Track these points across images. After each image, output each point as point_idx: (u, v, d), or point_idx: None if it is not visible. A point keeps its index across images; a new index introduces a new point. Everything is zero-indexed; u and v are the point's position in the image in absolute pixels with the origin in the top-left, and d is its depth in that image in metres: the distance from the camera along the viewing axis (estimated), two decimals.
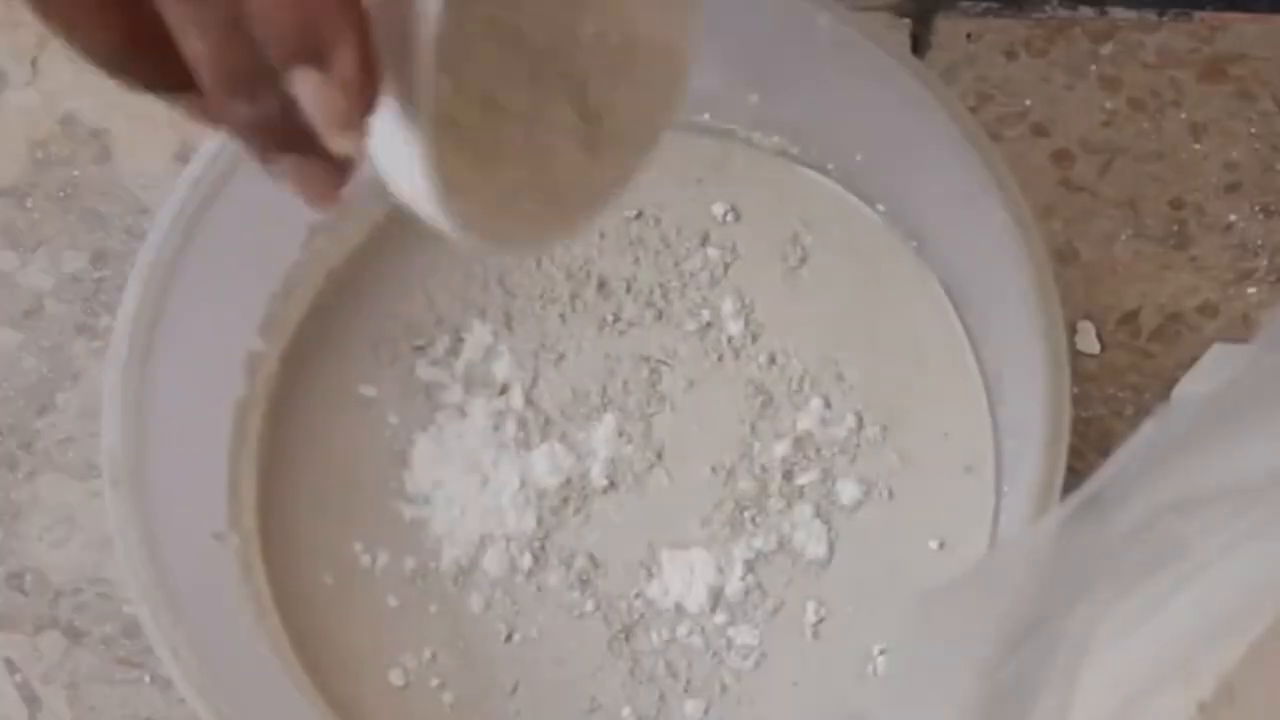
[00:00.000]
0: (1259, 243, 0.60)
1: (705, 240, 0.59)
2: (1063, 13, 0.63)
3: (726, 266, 0.58)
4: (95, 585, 0.59)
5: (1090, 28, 0.63)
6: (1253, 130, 0.61)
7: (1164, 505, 0.39)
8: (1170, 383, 0.57)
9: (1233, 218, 0.60)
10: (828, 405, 0.57)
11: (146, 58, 0.35)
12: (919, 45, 0.63)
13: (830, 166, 0.58)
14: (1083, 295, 0.58)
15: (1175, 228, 0.60)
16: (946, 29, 0.63)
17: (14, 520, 0.60)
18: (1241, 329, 0.58)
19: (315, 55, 0.33)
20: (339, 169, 0.35)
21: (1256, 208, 0.60)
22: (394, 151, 0.35)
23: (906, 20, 0.63)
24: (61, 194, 0.63)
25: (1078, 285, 0.58)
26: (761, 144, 0.59)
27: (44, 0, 0.34)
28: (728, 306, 0.58)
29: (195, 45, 0.34)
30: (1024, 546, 0.41)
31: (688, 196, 0.59)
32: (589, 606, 0.55)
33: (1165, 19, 0.63)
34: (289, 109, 0.34)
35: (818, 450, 0.56)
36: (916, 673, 0.41)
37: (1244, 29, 0.62)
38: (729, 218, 0.59)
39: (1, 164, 0.64)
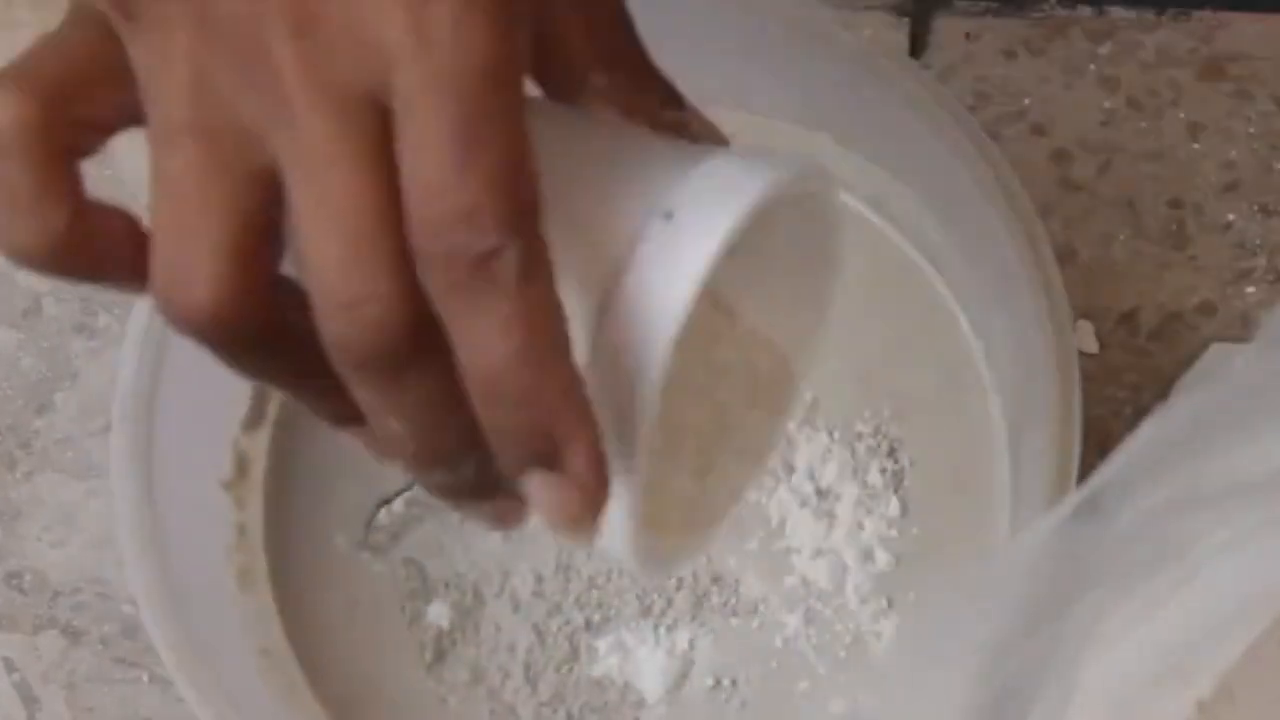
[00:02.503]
0: (1257, 242, 0.60)
1: None
2: (1061, 12, 0.63)
3: None
4: (94, 585, 0.59)
5: (1089, 27, 0.63)
6: (1251, 130, 0.61)
7: (1164, 505, 0.39)
8: (1169, 382, 0.57)
9: (1231, 217, 0.60)
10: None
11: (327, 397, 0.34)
12: (918, 45, 0.63)
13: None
14: (1081, 295, 0.58)
15: (1174, 227, 0.60)
16: (945, 29, 0.63)
17: (13, 520, 0.60)
18: (1240, 329, 0.58)
19: (549, 458, 0.33)
20: (524, 504, 0.35)
21: (1255, 207, 0.60)
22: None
23: (906, 20, 0.63)
24: None
25: (1076, 285, 0.58)
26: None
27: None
28: None
29: (393, 426, 0.33)
30: (1024, 546, 0.41)
31: None
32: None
33: (1164, 18, 0.63)
34: (486, 470, 0.34)
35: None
36: (917, 673, 0.41)
37: (1243, 28, 0.62)
38: None
39: None
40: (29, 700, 0.58)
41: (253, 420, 0.57)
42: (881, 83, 0.53)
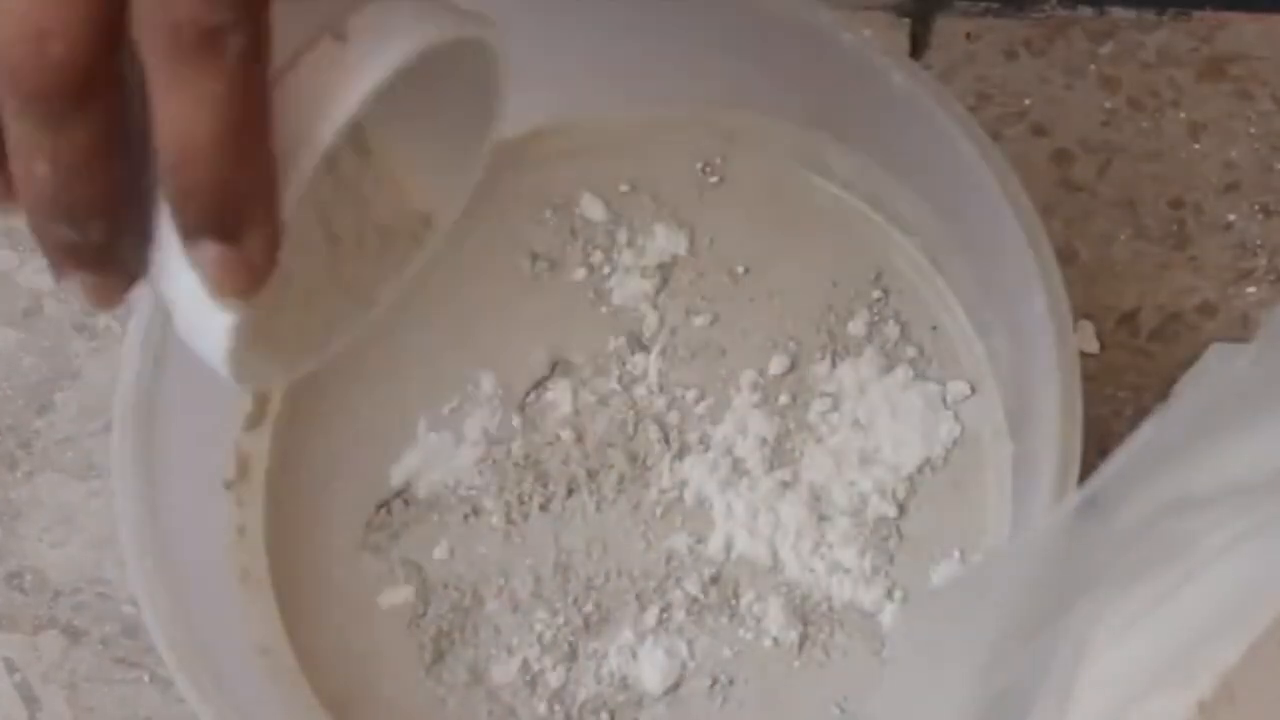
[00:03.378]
0: (1258, 242, 0.60)
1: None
2: (1062, 12, 0.63)
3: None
4: (94, 585, 0.59)
5: (1089, 27, 0.63)
6: (1252, 130, 0.61)
7: (1164, 505, 0.39)
8: (1170, 382, 0.57)
9: (1232, 217, 0.60)
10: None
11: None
12: (918, 45, 0.63)
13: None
14: (1082, 295, 0.58)
15: (1174, 227, 0.60)
16: (946, 29, 0.63)
17: (13, 520, 0.60)
18: (1241, 329, 0.58)
19: (229, 231, 0.33)
20: (129, 280, 0.35)
21: (1256, 207, 0.60)
22: (184, 287, 0.35)
23: (906, 20, 0.63)
24: None
25: (1077, 285, 0.58)
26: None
27: None
28: None
29: (37, 168, 0.32)
30: (1024, 546, 0.41)
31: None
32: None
33: (1164, 18, 0.63)
34: (112, 237, 0.34)
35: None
36: (916, 673, 0.41)
37: (1243, 28, 0.62)
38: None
39: None
40: (29, 700, 0.58)
41: (254, 420, 0.57)
42: (881, 83, 0.53)
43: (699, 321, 0.58)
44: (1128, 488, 0.39)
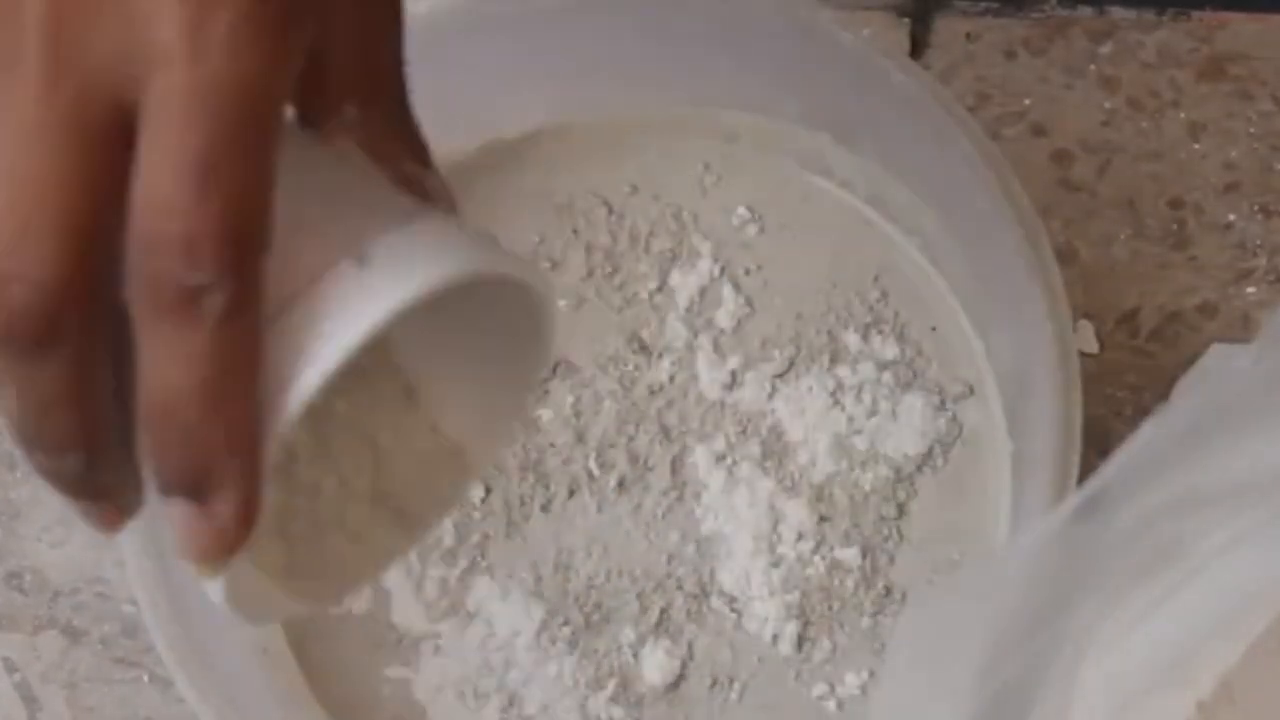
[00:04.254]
0: (1258, 242, 0.60)
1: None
2: (1062, 12, 0.63)
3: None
4: (94, 585, 0.59)
5: (1089, 27, 0.63)
6: (1252, 130, 0.61)
7: (1164, 505, 0.39)
8: (1169, 383, 0.57)
9: (1232, 217, 0.60)
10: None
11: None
12: (918, 45, 0.63)
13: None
14: (1081, 295, 0.58)
15: (1174, 227, 0.60)
16: (946, 29, 0.63)
17: (13, 520, 0.60)
18: (1241, 329, 0.58)
19: (199, 493, 0.31)
20: (122, 512, 0.34)
21: (1255, 207, 0.60)
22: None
23: (906, 20, 0.63)
24: None
25: (1076, 285, 0.58)
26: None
27: None
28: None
29: (7, 398, 0.31)
30: (1024, 547, 0.41)
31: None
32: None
33: (1164, 18, 0.63)
34: (96, 470, 0.32)
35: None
36: (916, 673, 0.41)
37: (1243, 28, 0.62)
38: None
39: None
40: (29, 700, 0.58)
41: None
42: (881, 83, 0.53)
43: (699, 322, 0.58)
44: (1128, 488, 0.39)
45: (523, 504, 0.56)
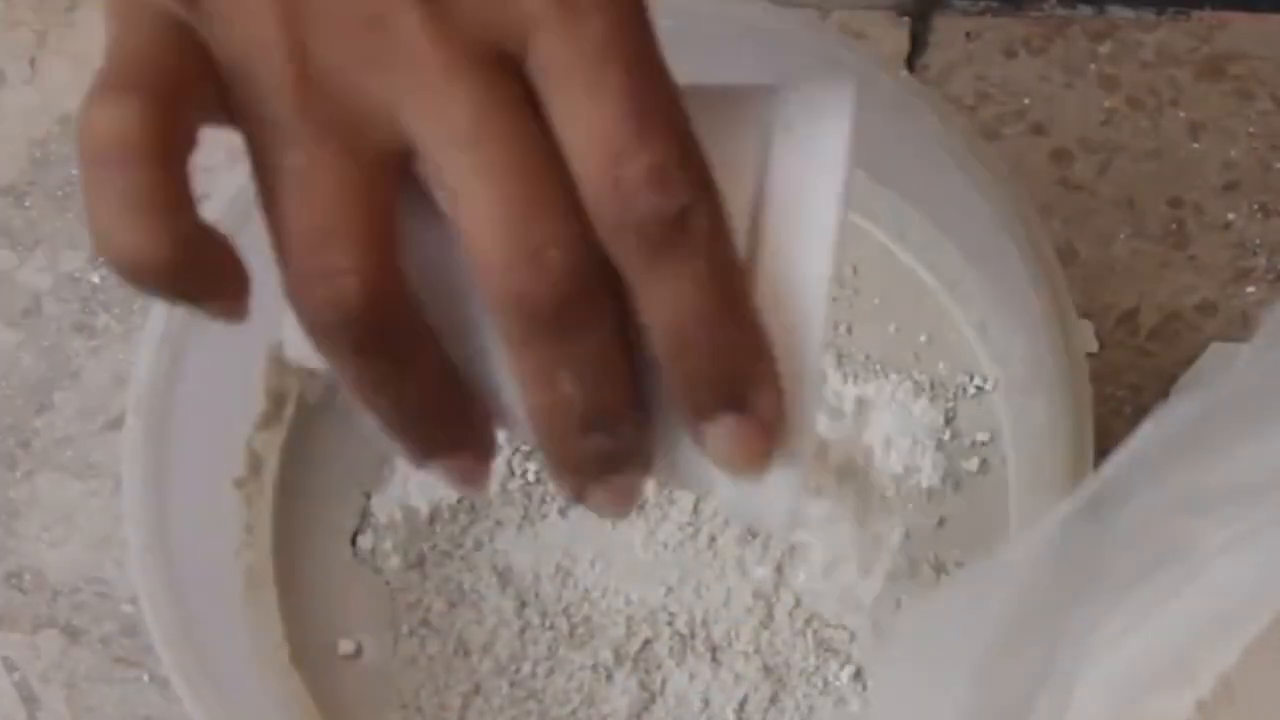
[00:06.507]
0: (1257, 242, 0.60)
1: None
2: (1061, 11, 0.63)
3: None
4: (93, 584, 0.59)
5: (1089, 26, 0.63)
6: (1251, 129, 0.61)
7: (1164, 505, 0.39)
8: (1169, 382, 0.57)
9: (1231, 217, 0.60)
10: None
11: (435, 420, 0.34)
12: (918, 45, 0.63)
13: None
14: (1081, 295, 0.58)
15: (1174, 227, 0.60)
16: (945, 28, 0.63)
17: (12, 519, 0.60)
18: (1240, 328, 0.58)
19: (739, 401, 0.33)
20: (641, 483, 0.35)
21: (1255, 207, 0.60)
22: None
23: (905, 20, 0.63)
24: (60, 193, 0.63)
25: (1076, 285, 0.58)
26: None
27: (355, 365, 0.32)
28: None
29: (563, 387, 0.32)
30: (1024, 546, 0.41)
31: None
32: None
33: (1164, 18, 0.63)
34: (639, 434, 0.34)
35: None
36: (916, 673, 0.41)
37: (1242, 28, 0.62)
38: None
39: (0, 163, 0.64)
40: (29, 700, 0.58)
41: (268, 419, 0.57)
42: (874, 87, 0.53)
43: None
44: (1128, 488, 0.39)
45: (543, 502, 0.56)
